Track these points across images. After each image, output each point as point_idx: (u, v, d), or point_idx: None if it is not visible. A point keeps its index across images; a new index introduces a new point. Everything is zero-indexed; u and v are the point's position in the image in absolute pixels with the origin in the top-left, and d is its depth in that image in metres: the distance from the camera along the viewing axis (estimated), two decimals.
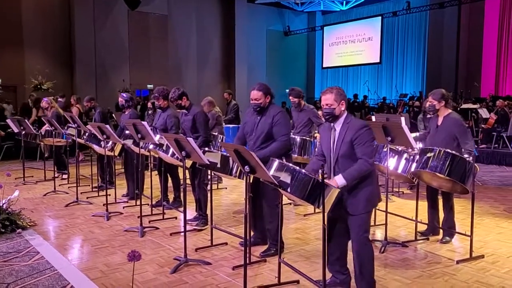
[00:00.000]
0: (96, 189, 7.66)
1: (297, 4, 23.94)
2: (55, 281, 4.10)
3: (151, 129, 5.87)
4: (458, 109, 15.71)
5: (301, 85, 24.17)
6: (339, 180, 3.42)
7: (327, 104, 3.59)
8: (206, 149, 4.98)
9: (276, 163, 3.54)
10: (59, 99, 11.73)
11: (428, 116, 7.89)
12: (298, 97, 6.91)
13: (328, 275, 3.85)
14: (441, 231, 5.33)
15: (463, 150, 4.87)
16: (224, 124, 9.14)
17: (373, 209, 3.73)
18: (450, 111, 5.11)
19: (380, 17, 21.76)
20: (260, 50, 22.94)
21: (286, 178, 3.40)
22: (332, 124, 3.65)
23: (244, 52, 22.04)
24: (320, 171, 3.37)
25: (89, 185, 7.98)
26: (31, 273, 4.28)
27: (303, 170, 3.44)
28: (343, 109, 3.59)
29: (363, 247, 3.55)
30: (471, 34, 21.02)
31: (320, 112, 7.16)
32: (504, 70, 19.90)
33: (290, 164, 3.51)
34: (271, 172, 3.49)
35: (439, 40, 21.03)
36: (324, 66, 25.06)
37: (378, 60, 22.18)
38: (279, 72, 23.19)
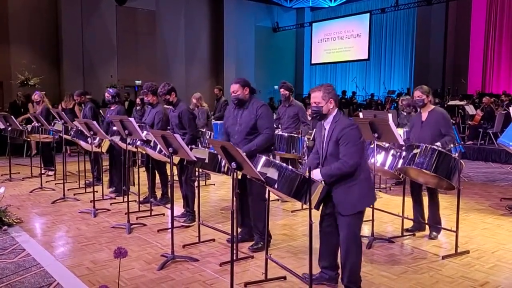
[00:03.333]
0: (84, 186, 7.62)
1: (286, 0, 23.94)
2: (41, 278, 4.07)
3: (139, 125, 5.85)
4: (445, 105, 15.87)
5: (290, 82, 24.03)
6: (316, 173, 3.45)
7: (314, 102, 3.59)
8: (193, 146, 4.99)
9: (263, 159, 3.55)
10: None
11: (404, 113, 7.98)
12: (289, 90, 6.99)
13: (317, 270, 3.88)
14: (427, 226, 5.38)
15: (445, 138, 4.97)
16: (213, 120, 9.14)
17: (365, 208, 3.71)
18: (433, 106, 5.23)
19: (368, 14, 21.81)
20: (249, 46, 22.90)
21: (273, 174, 3.42)
22: (322, 122, 3.65)
23: (233, 48, 22.00)
24: (307, 168, 3.37)
25: (76, 182, 7.93)
26: (17, 270, 4.25)
27: (290, 167, 3.45)
28: (331, 107, 3.58)
29: (352, 245, 3.57)
30: (458, 31, 21.18)
31: (308, 112, 7.20)
32: (491, 67, 20.08)
33: (277, 161, 3.52)
34: (258, 168, 3.50)
35: (427, 37, 21.17)
36: (312, 62, 25.08)
37: (366, 57, 22.24)
38: (268, 68, 23.18)
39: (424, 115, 5.18)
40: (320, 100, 3.56)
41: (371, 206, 5.07)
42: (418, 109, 5.37)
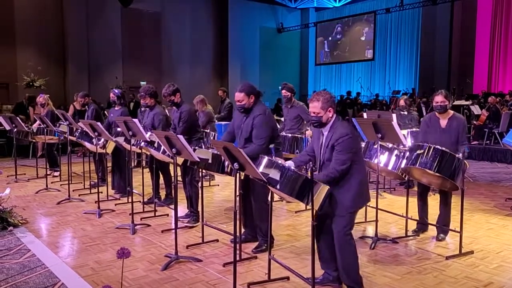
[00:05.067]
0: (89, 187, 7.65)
1: (291, 0, 23.94)
2: (46, 278, 4.10)
3: (143, 126, 5.87)
4: (451, 105, 15.78)
5: (295, 82, 24.21)
6: None
7: (314, 113, 3.61)
8: (197, 147, 5.00)
9: (265, 160, 3.56)
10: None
11: (403, 113, 7.99)
12: (291, 91, 7.02)
13: (321, 272, 3.89)
14: (431, 227, 5.36)
15: (463, 147, 4.89)
16: (216, 121, 9.16)
17: (359, 209, 3.74)
18: (452, 112, 5.09)
19: (373, 14, 21.79)
20: (253, 47, 22.92)
21: (275, 175, 3.42)
22: (321, 129, 3.67)
23: (237, 49, 22.03)
24: (309, 168, 3.38)
25: (81, 183, 7.96)
26: (22, 270, 4.28)
27: (292, 168, 3.46)
28: (330, 115, 3.61)
29: (344, 244, 3.60)
30: (463, 31, 21.10)
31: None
32: (497, 66, 19.99)
33: (280, 161, 3.53)
34: (260, 169, 3.50)
35: (432, 36, 21.10)
36: (317, 63, 25.08)
37: (371, 57, 22.21)
38: (273, 69, 23.18)
39: (444, 121, 5.01)
40: (319, 111, 3.58)
41: (375, 207, 5.12)
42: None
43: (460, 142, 4.95)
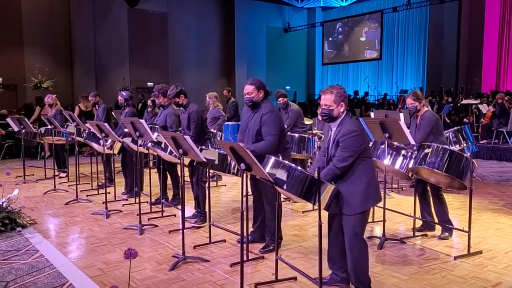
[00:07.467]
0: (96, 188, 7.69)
1: (297, 0, 23.92)
2: (54, 279, 4.12)
3: (150, 127, 5.88)
4: (458, 104, 15.72)
5: (302, 82, 24.25)
6: None
7: (325, 105, 3.55)
8: (203, 147, 5.00)
9: (272, 160, 3.55)
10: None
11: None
12: (284, 96, 7.11)
13: (328, 272, 3.87)
14: (437, 226, 5.34)
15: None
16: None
17: (370, 208, 3.70)
18: (426, 109, 5.29)
19: (380, 13, 21.72)
20: (260, 47, 22.91)
21: (282, 175, 3.41)
22: (330, 124, 3.65)
23: (244, 49, 22.02)
24: (314, 168, 3.37)
25: (89, 183, 8.00)
26: (30, 271, 4.31)
27: (299, 167, 3.44)
28: (342, 110, 3.55)
29: (355, 245, 3.55)
30: (471, 29, 20.96)
31: (319, 111, 7.25)
32: (505, 65, 19.84)
33: (286, 161, 3.51)
34: (267, 169, 3.49)
35: (440, 35, 20.99)
36: (324, 62, 25.03)
37: (378, 56, 22.14)
38: (279, 69, 23.15)
39: (418, 119, 5.26)
40: (331, 103, 3.53)
41: (382, 206, 5.09)
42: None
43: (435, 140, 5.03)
